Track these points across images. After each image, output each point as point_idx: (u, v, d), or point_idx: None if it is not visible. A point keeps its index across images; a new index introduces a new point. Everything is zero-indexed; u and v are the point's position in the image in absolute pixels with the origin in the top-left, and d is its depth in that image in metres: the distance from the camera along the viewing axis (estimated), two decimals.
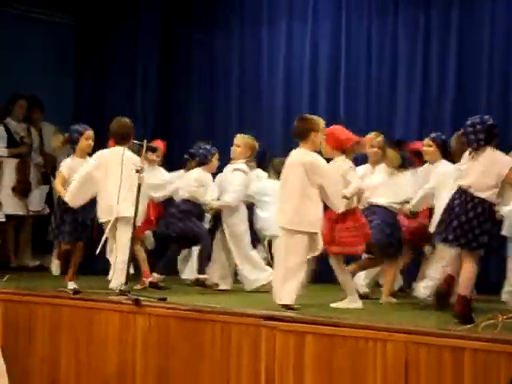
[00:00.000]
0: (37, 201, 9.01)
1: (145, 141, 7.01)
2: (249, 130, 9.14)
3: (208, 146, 7.98)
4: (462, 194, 5.81)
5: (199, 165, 7.89)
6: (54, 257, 8.48)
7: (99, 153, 7.13)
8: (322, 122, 6.32)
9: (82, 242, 7.13)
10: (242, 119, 9.53)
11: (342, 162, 6.53)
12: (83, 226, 7.10)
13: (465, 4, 8.26)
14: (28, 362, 6.66)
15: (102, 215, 6.96)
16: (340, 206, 6.27)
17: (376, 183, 7.04)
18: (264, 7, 9.44)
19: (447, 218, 5.85)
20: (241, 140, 7.86)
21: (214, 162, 7.95)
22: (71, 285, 6.97)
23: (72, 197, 7.00)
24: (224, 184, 7.80)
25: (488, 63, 8.08)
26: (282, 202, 6.30)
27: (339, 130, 6.68)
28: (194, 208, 7.81)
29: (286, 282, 6.07)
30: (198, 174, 7.85)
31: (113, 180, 6.86)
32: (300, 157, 6.23)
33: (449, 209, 5.88)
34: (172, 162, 8.57)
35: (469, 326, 5.29)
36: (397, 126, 8.48)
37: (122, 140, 7.07)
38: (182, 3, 9.94)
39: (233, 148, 7.83)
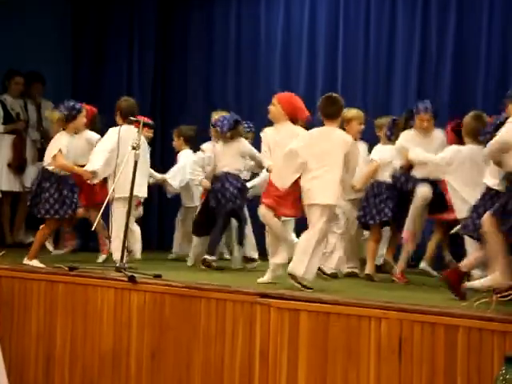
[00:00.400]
0: (32, 177, 8.98)
1: (142, 118, 7.03)
2: (246, 106, 9.19)
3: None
4: None
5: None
6: None
7: (116, 129, 7.18)
8: None
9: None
10: (238, 95, 9.53)
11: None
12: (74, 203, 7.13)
13: None
14: (23, 338, 6.66)
15: (121, 191, 6.93)
16: None
17: None
18: None
19: None
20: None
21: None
22: (36, 262, 7.02)
23: (102, 171, 7.14)
24: None
25: (487, 43, 8.07)
26: None
27: (296, 99, 6.73)
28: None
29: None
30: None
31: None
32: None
33: None
34: (169, 139, 8.57)
35: (464, 303, 5.32)
36: (394, 103, 8.47)
37: (129, 118, 7.11)
38: None
39: None
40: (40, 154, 9.09)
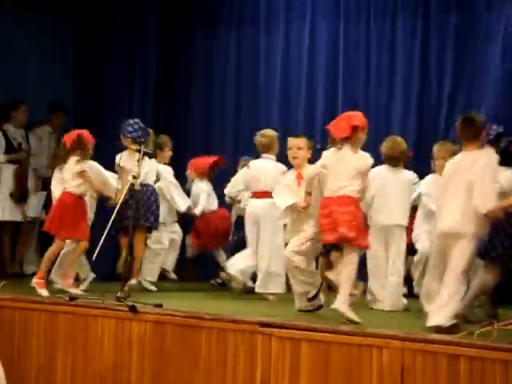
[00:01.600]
0: (34, 207, 9.00)
1: (142, 146, 7.06)
2: (246, 131, 9.24)
3: None
4: None
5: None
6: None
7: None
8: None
9: None
10: (238, 121, 9.60)
11: None
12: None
13: (462, 10, 8.28)
14: (24, 368, 6.62)
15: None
16: None
17: None
18: (261, 9, 9.48)
19: None
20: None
21: None
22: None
23: None
24: None
25: (484, 66, 8.10)
26: None
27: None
28: None
29: None
30: None
31: None
32: None
33: None
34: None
35: (465, 332, 5.28)
36: (394, 128, 8.51)
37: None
38: (180, 6, 9.97)
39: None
40: (42, 184, 9.10)
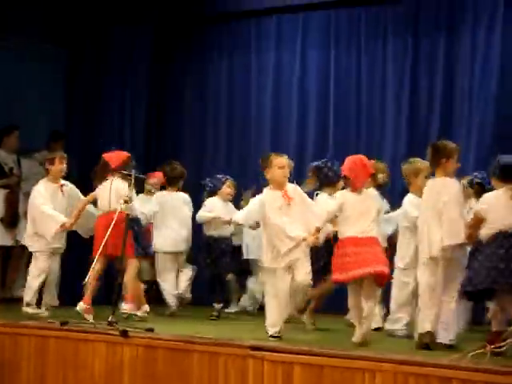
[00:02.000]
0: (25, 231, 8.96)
1: (133, 171, 7.07)
2: (237, 156, 9.28)
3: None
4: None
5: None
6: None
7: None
8: (278, 159, 6.36)
9: None
10: (230, 146, 9.62)
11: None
12: None
13: (452, 33, 8.37)
14: None
15: None
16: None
17: None
18: (252, 36, 9.54)
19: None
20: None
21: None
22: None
23: None
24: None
25: (471, 92, 8.17)
26: None
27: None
28: None
29: None
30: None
31: None
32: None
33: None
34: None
35: (457, 355, 5.28)
36: (385, 154, 8.54)
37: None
38: (174, 31, 10.02)
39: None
40: None
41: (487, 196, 6.01)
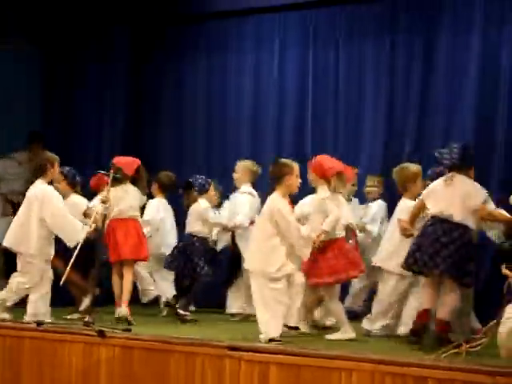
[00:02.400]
0: (2, 231, 8.89)
1: (111, 171, 7.06)
2: (216, 160, 9.24)
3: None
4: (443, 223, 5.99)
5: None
6: None
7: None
8: (296, 166, 6.30)
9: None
10: (209, 150, 9.58)
11: (322, 192, 6.56)
12: None
13: (430, 31, 8.38)
14: None
15: None
16: (303, 253, 6.25)
17: None
18: (231, 36, 9.51)
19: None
20: (239, 166, 7.99)
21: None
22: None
23: None
24: (234, 208, 7.92)
25: (448, 91, 8.21)
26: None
27: (325, 159, 6.70)
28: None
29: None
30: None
31: None
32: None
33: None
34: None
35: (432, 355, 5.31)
36: (362, 157, 8.55)
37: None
38: (151, 33, 9.99)
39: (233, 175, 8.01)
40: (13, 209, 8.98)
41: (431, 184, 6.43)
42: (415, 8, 8.47)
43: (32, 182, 7.26)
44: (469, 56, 8.11)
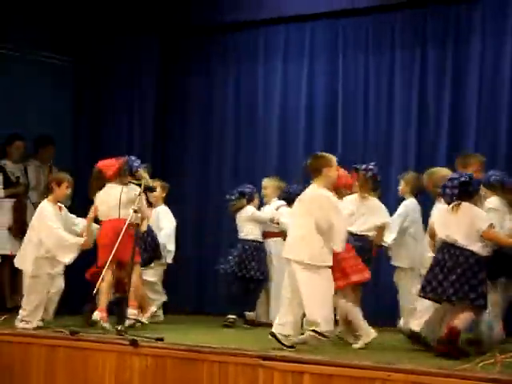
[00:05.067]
0: None
1: (143, 181, 7.11)
2: (243, 169, 9.26)
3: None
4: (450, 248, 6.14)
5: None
6: None
7: None
8: (334, 159, 6.38)
9: None
10: (237, 157, 9.60)
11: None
12: None
13: (459, 42, 8.35)
14: None
15: None
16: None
17: None
18: (260, 46, 9.50)
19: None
20: (268, 182, 8.34)
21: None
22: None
23: None
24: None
25: (478, 98, 8.18)
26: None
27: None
28: None
29: None
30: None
31: None
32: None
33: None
34: (168, 200, 8.67)
35: (467, 365, 5.28)
36: (394, 164, 8.53)
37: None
38: (179, 43, 10.02)
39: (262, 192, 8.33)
40: None
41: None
42: (445, 18, 8.43)
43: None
44: (502, 67, 8.09)
